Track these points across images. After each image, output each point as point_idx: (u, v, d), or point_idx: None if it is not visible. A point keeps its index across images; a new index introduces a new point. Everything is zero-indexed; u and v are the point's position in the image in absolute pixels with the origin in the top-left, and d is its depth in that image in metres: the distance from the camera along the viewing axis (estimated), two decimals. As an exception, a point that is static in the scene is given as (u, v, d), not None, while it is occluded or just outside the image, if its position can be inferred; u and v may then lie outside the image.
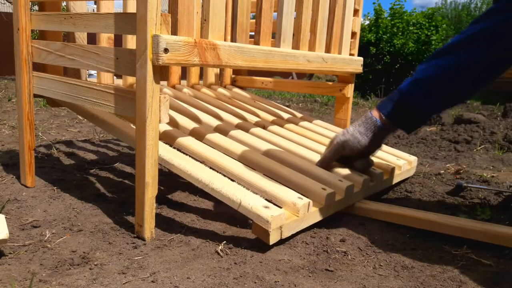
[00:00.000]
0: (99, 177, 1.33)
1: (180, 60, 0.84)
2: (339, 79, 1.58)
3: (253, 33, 1.14)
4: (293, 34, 1.22)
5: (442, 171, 1.51)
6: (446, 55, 0.92)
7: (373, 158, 1.29)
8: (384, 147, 1.45)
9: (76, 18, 0.97)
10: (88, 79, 1.28)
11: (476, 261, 0.84)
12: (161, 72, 0.83)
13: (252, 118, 1.43)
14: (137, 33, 0.80)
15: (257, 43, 1.11)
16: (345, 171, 1.12)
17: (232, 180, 0.94)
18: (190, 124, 1.19)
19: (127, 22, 0.84)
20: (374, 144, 1.06)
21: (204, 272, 0.76)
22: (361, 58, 1.53)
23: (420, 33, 6.32)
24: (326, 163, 1.10)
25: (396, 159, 1.34)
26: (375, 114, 1.04)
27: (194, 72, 1.67)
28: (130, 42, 1.32)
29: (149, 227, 0.88)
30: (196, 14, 0.93)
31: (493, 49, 0.86)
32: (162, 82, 1.46)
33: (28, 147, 1.16)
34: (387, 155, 1.36)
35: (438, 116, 2.77)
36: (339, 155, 1.08)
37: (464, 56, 0.89)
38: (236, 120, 1.34)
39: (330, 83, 1.63)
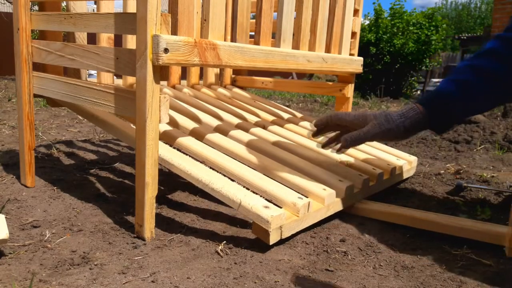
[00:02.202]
0: (99, 177, 1.33)
1: (180, 60, 0.84)
2: (339, 79, 1.58)
3: (253, 33, 1.14)
4: (293, 34, 1.22)
5: (442, 171, 1.51)
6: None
7: (374, 158, 1.29)
8: (384, 147, 1.45)
9: (76, 18, 0.97)
10: (88, 79, 1.28)
11: (476, 261, 0.84)
12: (161, 72, 0.83)
13: (252, 118, 1.43)
14: (137, 33, 0.80)
15: (257, 43, 1.11)
16: (345, 171, 1.12)
17: (232, 180, 0.94)
18: (190, 124, 1.19)
19: (127, 22, 0.84)
20: (408, 136, 1.00)
21: (204, 272, 0.76)
22: (361, 58, 1.53)
23: (420, 33, 6.33)
24: (359, 142, 0.98)
25: (396, 159, 1.34)
26: (420, 108, 0.97)
27: (194, 72, 1.67)
28: (130, 42, 1.32)
29: (149, 227, 0.88)
30: (196, 14, 0.93)
31: None
32: (162, 82, 1.46)
33: (28, 147, 1.16)
34: (387, 155, 1.36)
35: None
36: (376, 139, 0.99)
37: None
38: (236, 120, 1.34)
39: (330, 83, 1.63)
